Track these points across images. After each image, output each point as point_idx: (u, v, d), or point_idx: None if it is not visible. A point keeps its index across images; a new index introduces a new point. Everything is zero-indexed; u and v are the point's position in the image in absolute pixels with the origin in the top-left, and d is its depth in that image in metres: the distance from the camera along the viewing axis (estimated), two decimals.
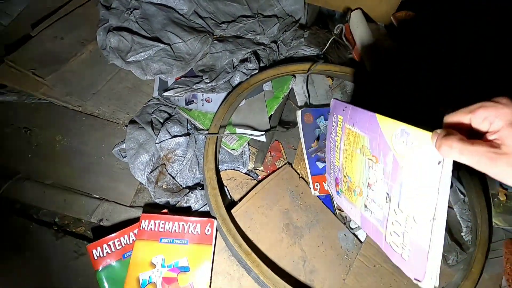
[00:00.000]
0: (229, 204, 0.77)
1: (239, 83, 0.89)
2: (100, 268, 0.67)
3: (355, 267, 0.74)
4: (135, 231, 0.70)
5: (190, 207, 0.76)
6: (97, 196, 0.81)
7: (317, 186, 0.80)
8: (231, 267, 0.70)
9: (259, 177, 0.84)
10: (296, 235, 0.75)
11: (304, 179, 0.82)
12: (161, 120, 0.86)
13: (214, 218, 0.69)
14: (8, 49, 0.95)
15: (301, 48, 1.03)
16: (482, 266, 0.75)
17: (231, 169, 0.83)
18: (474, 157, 0.32)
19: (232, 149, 0.84)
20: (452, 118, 0.37)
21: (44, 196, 0.80)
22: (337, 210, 0.82)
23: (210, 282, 0.66)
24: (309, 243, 0.75)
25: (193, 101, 0.89)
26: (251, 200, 0.76)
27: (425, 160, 0.41)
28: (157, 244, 0.67)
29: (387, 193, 0.51)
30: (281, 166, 0.83)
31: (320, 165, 0.82)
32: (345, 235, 0.77)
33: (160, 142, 0.80)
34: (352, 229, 0.79)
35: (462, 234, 0.82)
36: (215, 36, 1.02)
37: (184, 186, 0.80)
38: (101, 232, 0.74)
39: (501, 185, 0.87)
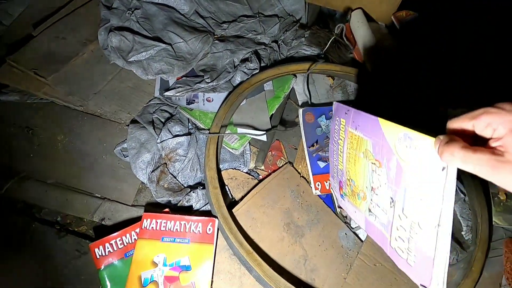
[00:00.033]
0: (230, 203, 0.77)
1: (240, 83, 0.90)
2: (102, 267, 0.67)
3: (355, 266, 0.74)
4: (137, 230, 0.70)
5: (191, 206, 0.77)
6: (99, 196, 0.82)
7: (318, 185, 0.80)
8: (232, 266, 0.71)
9: (260, 177, 0.85)
10: (297, 234, 0.75)
11: (305, 178, 0.82)
12: (163, 120, 0.86)
13: (216, 217, 0.69)
14: (10, 49, 0.96)
15: (301, 48, 1.04)
16: (482, 265, 0.75)
17: (232, 169, 0.83)
18: (476, 165, 0.32)
19: (233, 148, 0.84)
20: (456, 123, 0.36)
21: (46, 195, 0.80)
22: (338, 209, 0.82)
23: (212, 281, 0.67)
24: (310, 242, 0.75)
25: (194, 100, 0.89)
26: (252, 199, 0.76)
27: (429, 165, 0.40)
28: (158, 243, 0.67)
29: (391, 198, 0.50)
30: (282, 166, 0.84)
31: (321, 164, 0.82)
32: (345, 234, 0.78)
33: (161, 141, 0.80)
34: (352, 228, 0.80)
35: (462, 233, 0.82)
36: (216, 36, 1.02)
37: (185, 186, 0.80)
38: (103, 231, 0.75)
39: None
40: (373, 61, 0.96)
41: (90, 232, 0.79)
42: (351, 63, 1.05)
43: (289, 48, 1.04)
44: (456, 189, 0.84)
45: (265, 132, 0.86)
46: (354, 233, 0.79)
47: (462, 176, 0.85)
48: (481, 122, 0.34)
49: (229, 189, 0.80)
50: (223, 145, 0.84)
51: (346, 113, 0.60)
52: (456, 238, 0.81)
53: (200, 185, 0.81)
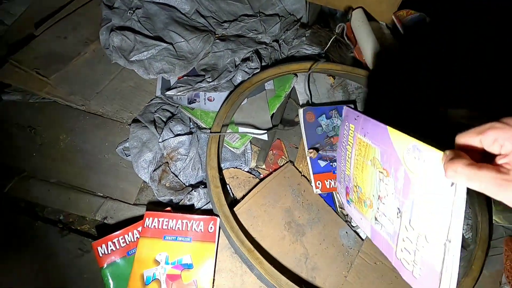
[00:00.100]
0: (232, 202, 0.77)
1: (241, 82, 0.90)
2: (105, 265, 0.68)
3: (356, 264, 0.75)
4: (139, 229, 0.71)
5: (193, 205, 0.77)
6: (101, 194, 0.82)
7: (318, 184, 0.80)
8: (234, 264, 0.71)
9: (261, 176, 0.85)
10: (298, 233, 0.76)
11: (306, 177, 0.83)
12: (164, 119, 0.87)
13: (217, 216, 0.70)
14: (12, 48, 0.96)
15: (302, 47, 1.04)
16: (482, 263, 0.76)
17: (234, 168, 0.84)
18: (481, 183, 0.30)
19: (235, 147, 0.85)
20: (463, 139, 0.35)
21: (48, 194, 0.81)
22: (338, 208, 0.83)
23: (213, 279, 0.67)
24: (311, 240, 0.75)
25: (196, 100, 0.90)
26: (253, 198, 0.76)
27: (438, 180, 0.38)
28: (161, 241, 0.68)
29: (398, 209, 0.49)
30: (283, 165, 0.84)
31: (321, 163, 0.82)
32: (346, 232, 0.78)
33: (163, 140, 0.81)
34: (353, 227, 0.80)
35: (463, 231, 0.82)
36: (217, 35, 1.02)
37: (187, 184, 0.81)
38: (105, 230, 0.75)
39: None
40: (374, 60, 0.97)
41: (93, 231, 0.79)
42: (352, 62, 1.05)
43: (290, 48, 1.05)
44: None
45: (266, 131, 0.86)
46: (355, 231, 0.79)
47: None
48: (487, 138, 0.32)
49: (230, 188, 0.80)
50: (224, 144, 0.85)
51: (355, 119, 0.59)
52: None
53: (202, 184, 0.82)
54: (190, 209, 0.77)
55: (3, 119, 0.90)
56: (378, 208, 0.56)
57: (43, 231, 0.76)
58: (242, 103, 0.89)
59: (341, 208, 0.83)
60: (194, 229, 0.69)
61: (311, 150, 0.81)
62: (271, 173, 0.83)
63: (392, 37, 1.05)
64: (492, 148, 0.33)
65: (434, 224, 0.41)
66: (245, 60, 0.95)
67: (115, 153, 0.86)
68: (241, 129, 0.86)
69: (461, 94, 0.92)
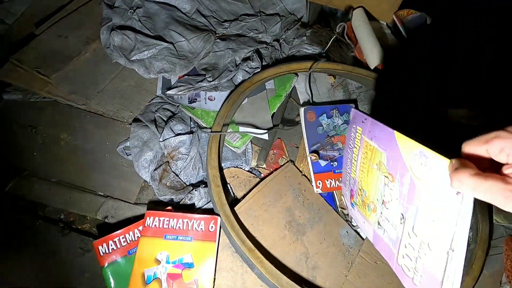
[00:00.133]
0: (232, 202, 0.78)
1: (242, 82, 0.90)
2: (106, 264, 0.68)
3: (357, 263, 0.75)
4: (140, 228, 0.71)
5: (193, 204, 0.77)
6: (102, 194, 0.82)
7: (319, 183, 0.80)
8: (234, 263, 0.71)
9: (262, 175, 0.85)
10: (299, 232, 0.76)
11: (306, 176, 0.83)
12: (165, 118, 0.87)
13: (218, 215, 0.70)
14: (12, 48, 0.96)
15: (303, 47, 1.04)
16: (483, 263, 0.76)
17: (234, 167, 0.84)
18: (487, 193, 0.30)
19: (235, 147, 0.85)
20: (469, 147, 0.34)
21: (49, 194, 0.81)
22: (339, 208, 0.83)
23: (214, 278, 0.67)
24: (311, 240, 0.75)
25: (196, 99, 0.90)
26: (254, 197, 0.76)
27: (444, 187, 0.38)
28: (161, 240, 0.68)
29: (402, 214, 0.49)
30: (284, 164, 0.84)
31: (322, 163, 0.82)
32: (347, 232, 0.78)
33: (164, 140, 0.81)
34: (353, 226, 0.80)
35: None
36: (217, 35, 1.02)
37: (187, 184, 0.81)
38: (106, 229, 0.75)
39: None
40: (374, 60, 0.97)
41: (94, 230, 0.79)
42: (353, 61, 1.05)
43: (290, 47, 1.05)
44: None
45: (266, 130, 0.86)
46: (355, 231, 0.79)
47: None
48: (493, 147, 0.32)
49: (231, 188, 0.80)
50: (225, 143, 0.85)
51: (363, 122, 0.59)
52: None
53: (202, 183, 0.82)
54: (190, 209, 0.77)
55: (4, 118, 0.90)
56: (381, 213, 0.56)
57: (44, 230, 0.76)
58: (242, 103, 0.89)
59: (342, 207, 0.83)
60: (195, 228, 0.69)
61: (313, 154, 0.82)
62: (271, 172, 0.83)
63: (393, 37, 1.06)
64: (499, 158, 0.32)
65: (438, 232, 0.40)
66: (245, 59, 0.95)
67: (116, 152, 0.86)
68: (242, 129, 0.87)
69: (461, 94, 0.92)
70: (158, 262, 0.66)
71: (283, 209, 0.77)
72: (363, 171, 0.61)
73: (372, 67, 0.97)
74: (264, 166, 0.87)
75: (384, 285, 0.74)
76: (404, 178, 0.46)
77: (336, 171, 0.83)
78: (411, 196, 0.45)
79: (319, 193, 0.81)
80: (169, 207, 0.74)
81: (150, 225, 0.69)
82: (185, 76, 0.94)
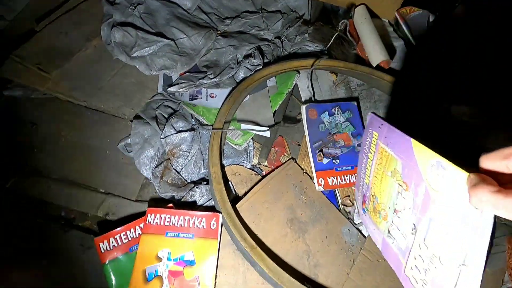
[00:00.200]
0: (234, 199, 0.77)
1: (243, 79, 0.89)
2: (107, 261, 0.67)
3: (359, 261, 0.75)
4: (141, 225, 0.71)
5: (195, 201, 0.77)
6: (103, 191, 0.82)
7: (321, 181, 0.80)
8: (236, 261, 0.71)
9: (264, 172, 0.85)
10: (301, 230, 0.75)
11: (308, 174, 0.82)
12: (166, 115, 0.86)
13: (219, 212, 0.70)
14: (13, 44, 0.95)
15: (305, 44, 1.03)
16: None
17: (236, 164, 0.83)
18: (508, 211, 0.28)
19: (237, 144, 0.84)
20: (487, 163, 0.32)
21: (50, 191, 0.81)
22: (341, 206, 0.82)
23: (216, 276, 0.67)
24: (313, 237, 0.75)
25: (198, 96, 0.89)
26: (255, 195, 0.76)
27: (462, 201, 0.36)
28: (163, 238, 0.68)
29: (414, 225, 0.47)
30: (285, 162, 0.84)
31: (324, 160, 0.82)
32: (349, 230, 0.78)
33: (165, 137, 0.81)
34: (355, 224, 0.80)
35: None
36: (219, 32, 1.02)
37: (189, 181, 0.80)
38: (107, 226, 0.75)
39: None
40: (377, 57, 0.96)
41: (94, 227, 0.79)
42: (355, 59, 1.05)
43: (292, 44, 1.04)
44: None
45: (268, 128, 0.86)
46: (357, 229, 0.79)
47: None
48: None
49: (232, 185, 0.80)
50: (226, 141, 0.84)
51: (380, 127, 0.57)
52: None
53: (204, 180, 0.82)
54: (192, 206, 0.77)
55: (4, 114, 0.90)
56: (392, 221, 0.54)
57: (44, 227, 0.76)
58: (244, 100, 0.88)
59: (344, 205, 0.82)
60: (196, 225, 0.69)
61: (320, 154, 0.81)
62: (273, 170, 0.82)
63: (395, 35, 1.05)
64: None
65: (451, 246, 0.39)
66: (247, 56, 0.95)
67: (116, 149, 0.85)
68: (243, 126, 0.86)
69: (461, 94, 0.92)
70: (159, 259, 0.66)
71: (284, 207, 0.77)
72: (376, 177, 0.59)
73: (374, 65, 0.96)
74: (266, 163, 0.86)
75: (386, 283, 0.73)
76: (419, 188, 0.45)
77: (338, 168, 0.82)
78: (425, 207, 0.44)
79: (321, 191, 0.81)
80: (171, 204, 0.74)
81: (152, 222, 0.69)
82: (186, 73, 0.93)
